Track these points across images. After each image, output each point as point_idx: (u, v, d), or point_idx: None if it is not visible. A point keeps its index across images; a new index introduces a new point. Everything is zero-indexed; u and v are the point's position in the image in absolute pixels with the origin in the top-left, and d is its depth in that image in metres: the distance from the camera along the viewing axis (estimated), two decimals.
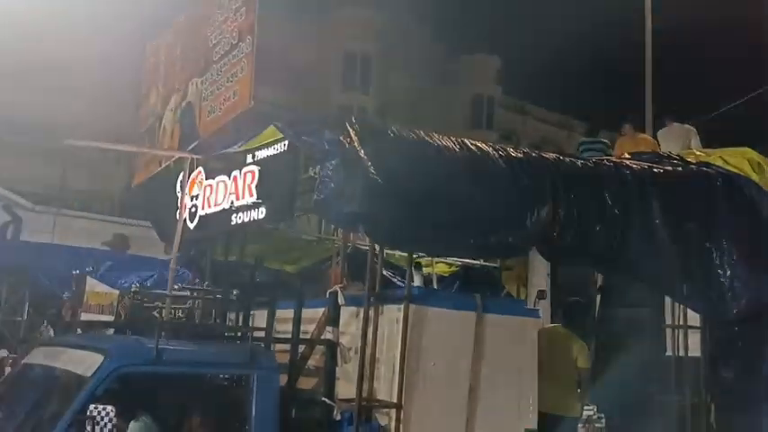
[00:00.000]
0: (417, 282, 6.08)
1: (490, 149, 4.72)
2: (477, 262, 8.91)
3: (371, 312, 4.72)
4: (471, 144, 4.62)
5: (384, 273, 7.40)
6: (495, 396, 4.79)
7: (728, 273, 5.95)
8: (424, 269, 8.58)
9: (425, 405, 4.50)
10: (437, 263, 8.58)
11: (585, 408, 6.20)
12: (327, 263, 7.40)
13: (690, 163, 6.99)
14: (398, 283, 7.74)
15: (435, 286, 8.24)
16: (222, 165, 6.82)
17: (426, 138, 4.59)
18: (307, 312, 5.15)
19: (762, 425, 6.29)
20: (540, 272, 8.93)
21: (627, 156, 7.82)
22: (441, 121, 25.93)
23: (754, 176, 7.19)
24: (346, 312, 5.12)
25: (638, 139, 9.18)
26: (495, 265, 8.97)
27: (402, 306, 4.61)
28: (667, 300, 6.96)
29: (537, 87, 35.16)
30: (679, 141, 8.83)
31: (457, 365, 4.73)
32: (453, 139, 4.62)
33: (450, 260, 8.79)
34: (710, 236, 6.02)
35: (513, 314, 5.02)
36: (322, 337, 5.14)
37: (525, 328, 5.03)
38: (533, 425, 4.98)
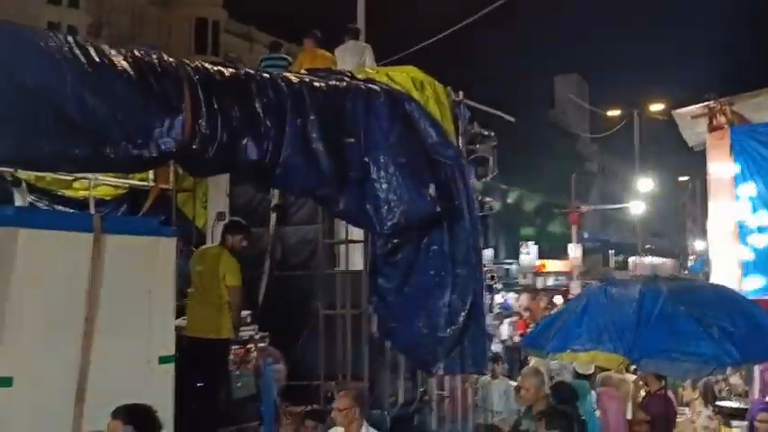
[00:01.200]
0: (19, 201, 5.23)
1: (119, 57, 4.09)
2: (146, 183, 8.22)
3: None
4: (92, 49, 3.93)
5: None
6: (118, 324, 4.34)
7: (384, 186, 6.11)
8: (81, 192, 7.66)
9: (22, 340, 3.89)
10: (97, 185, 7.74)
11: (245, 328, 6.03)
12: None
13: (357, 79, 7.03)
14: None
15: (93, 211, 7.40)
16: None
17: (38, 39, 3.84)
18: None
19: (414, 329, 6.71)
20: (219, 192, 8.53)
21: (303, 71, 7.70)
22: (162, 45, 23.95)
23: (416, 94, 7.51)
24: None
25: (317, 54, 9.08)
26: (166, 186, 8.38)
27: None
28: None
29: (263, 13, 34.22)
30: (355, 58, 8.89)
31: (67, 293, 4.15)
32: (70, 43, 3.90)
33: (114, 182, 7.98)
34: (368, 150, 6.10)
35: (141, 234, 4.55)
36: None
37: (157, 248, 4.60)
38: (170, 351, 4.63)
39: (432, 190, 6.41)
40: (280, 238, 7.83)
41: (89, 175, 7.34)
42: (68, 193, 7.66)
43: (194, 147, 4.24)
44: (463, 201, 6.85)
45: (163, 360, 4.63)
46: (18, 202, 5.24)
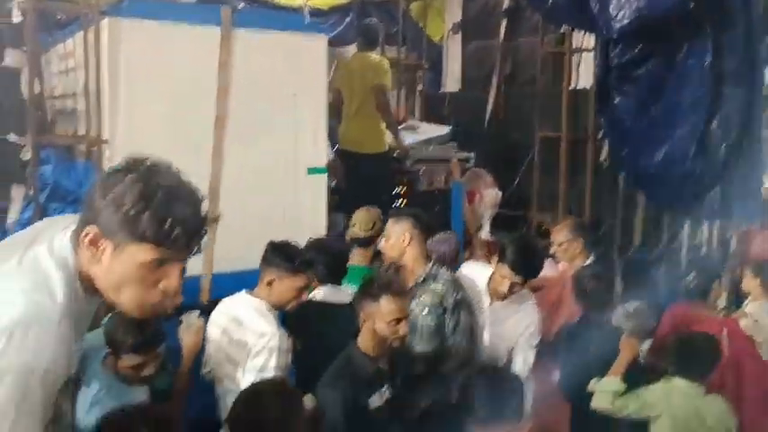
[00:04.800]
0: None
1: None
2: None
3: None
4: None
5: None
6: (255, 128, 3.90)
7: None
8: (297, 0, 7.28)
9: (144, 139, 3.62)
10: None
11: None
12: None
13: None
14: None
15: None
16: None
17: None
18: None
19: (656, 161, 5.39)
20: (453, 0, 7.62)
21: None
22: None
23: None
24: None
25: None
26: None
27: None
28: None
29: None
30: None
31: (191, 93, 3.77)
32: None
33: None
34: None
35: (282, 29, 3.94)
36: None
37: (303, 46, 3.98)
38: (320, 162, 4.13)
39: None
40: (510, 49, 6.79)
41: None
42: (283, 1, 7.33)
43: None
44: None
45: (312, 171, 4.18)
46: None
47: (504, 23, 6.77)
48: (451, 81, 7.85)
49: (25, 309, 1.54)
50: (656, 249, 6.22)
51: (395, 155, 5.52)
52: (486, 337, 3.50)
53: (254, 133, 3.98)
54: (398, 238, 3.50)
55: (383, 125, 5.44)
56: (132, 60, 3.66)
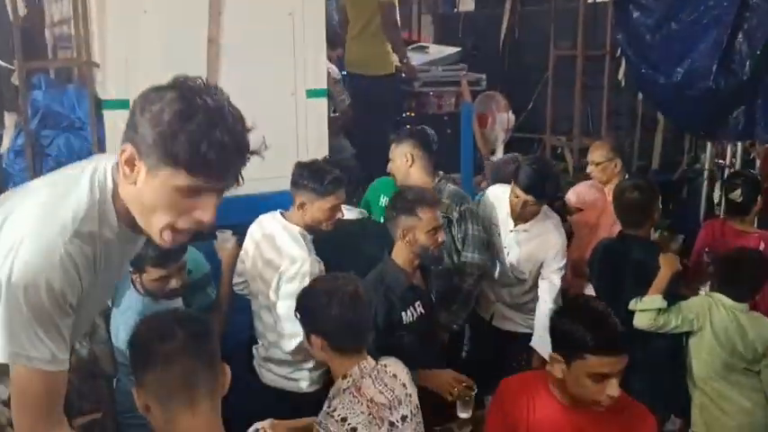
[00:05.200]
0: None
1: None
2: None
3: None
4: None
5: None
6: (250, 48, 3.76)
7: None
8: None
9: (136, 62, 3.52)
10: None
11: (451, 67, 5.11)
12: None
13: None
14: None
15: None
16: None
17: None
18: None
19: (676, 79, 5.14)
20: None
21: None
22: None
23: None
24: None
25: None
26: None
27: None
28: None
29: None
30: None
31: (184, 14, 3.60)
32: None
33: None
34: None
35: None
36: None
37: None
38: (320, 84, 3.99)
39: None
40: None
41: None
42: None
43: None
44: None
45: (312, 94, 4.04)
46: None
47: None
48: None
49: (35, 223, 1.51)
50: (679, 169, 6.03)
51: (402, 76, 5.34)
52: (513, 258, 3.60)
53: (250, 55, 3.83)
54: (401, 160, 3.56)
55: (389, 45, 5.24)
56: None
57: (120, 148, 1.52)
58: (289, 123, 4.00)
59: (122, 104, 3.43)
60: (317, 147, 4.06)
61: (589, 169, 4.30)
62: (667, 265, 3.25)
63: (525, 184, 3.38)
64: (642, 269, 3.32)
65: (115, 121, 3.49)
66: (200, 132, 1.42)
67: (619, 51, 5.36)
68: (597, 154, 4.23)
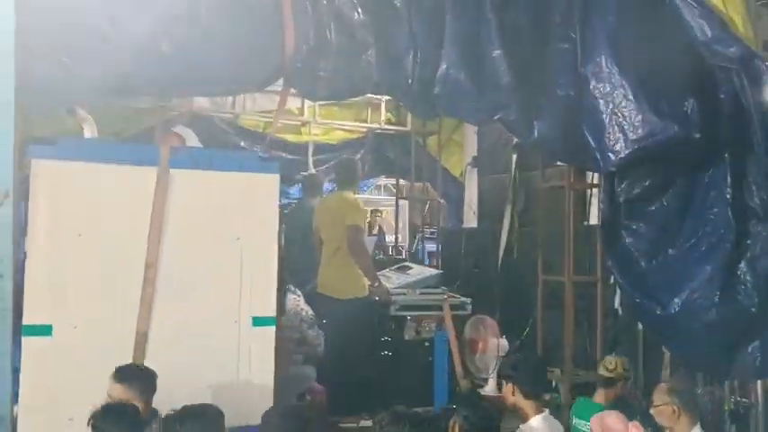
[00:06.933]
0: (88, 133, 4.62)
1: None
2: (390, 127, 7.43)
3: None
4: None
5: None
6: (191, 274, 3.58)
7: (611, 105, 4.30)
8: (305, 137, 7.13)
9: (66, 284, 3.36)
10: (328, 130, 7.18)
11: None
12: None
13: None
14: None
15: (311, 157, 6.87)
16: None
17: None
18: None
19: (675, 310, 4.72)
20: (470, 133, 7.34)
21: None
22: None
23: None
24: None
25: None
26: (405, 128, 7.48)
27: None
28: None
29: None
30: None
31: (123, 236, 3.50)
32: None
33: (348, 125, 7.36)
34: (586, 55, 4.36)
35: (225, 169, 3.67)
36: None
37: (249, 186, 3.69)
38: (269, 311, 3.73)
39: (690, 106, 4.40)
40: (523, 183, 6.37)
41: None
42: (290, 138, 7.21)
43: None
44: (755, 122, 4.59)
45: (259, 322, 3.77)
46: (88, 133, 4.78)
47: (514, 158, 6.40)
48: (471, 216, 7.46)
49: None
50: None
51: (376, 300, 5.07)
52: None
53: (191, 280, 3.65)
54: None
55: None
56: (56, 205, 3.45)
57: None
58: (230, 355, 3.71)
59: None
60: (261, 377, 3.74)
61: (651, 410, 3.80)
62: None
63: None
64: None
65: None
66: None
67: (612, 279, 5.02)
68: (656, 396, 3.78)
